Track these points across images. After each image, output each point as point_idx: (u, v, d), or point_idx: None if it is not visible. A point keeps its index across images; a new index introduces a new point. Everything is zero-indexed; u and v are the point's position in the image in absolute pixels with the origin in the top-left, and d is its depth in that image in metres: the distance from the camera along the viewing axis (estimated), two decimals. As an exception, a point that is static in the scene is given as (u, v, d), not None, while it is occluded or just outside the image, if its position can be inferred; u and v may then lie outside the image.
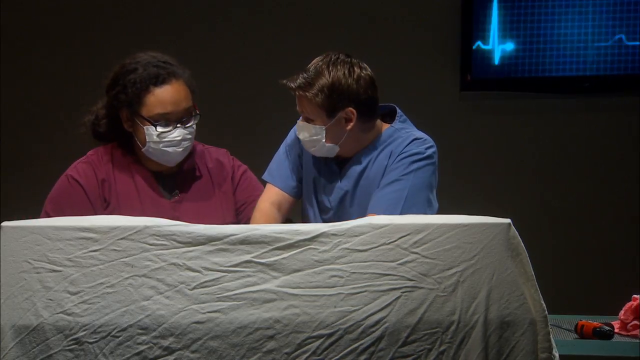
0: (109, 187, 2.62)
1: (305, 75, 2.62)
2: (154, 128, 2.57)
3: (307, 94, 2.60)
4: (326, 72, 2.61)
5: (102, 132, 2.68)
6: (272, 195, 2.77)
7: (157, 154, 2.60)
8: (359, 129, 2.66)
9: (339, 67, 2.63)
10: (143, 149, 2.60)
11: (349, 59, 2.66)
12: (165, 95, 2.58)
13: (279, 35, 4.46)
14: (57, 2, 4.58)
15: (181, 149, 2.62)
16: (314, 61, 2.66)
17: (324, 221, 2.72)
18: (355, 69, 2.64)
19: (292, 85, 2.63)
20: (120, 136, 2.66)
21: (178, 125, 2.59)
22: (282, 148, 2.83)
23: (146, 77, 2.58)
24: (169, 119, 2.58)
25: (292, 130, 2.81)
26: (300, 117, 2.70)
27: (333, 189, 2.72)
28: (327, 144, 2.65)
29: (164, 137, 2.58)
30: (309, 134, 2.65)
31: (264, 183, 2.83)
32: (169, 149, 2.59)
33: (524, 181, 4.38)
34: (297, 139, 2.76)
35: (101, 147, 2.69)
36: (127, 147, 2.67)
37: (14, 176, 4.43)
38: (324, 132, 2.63)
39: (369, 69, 2.67)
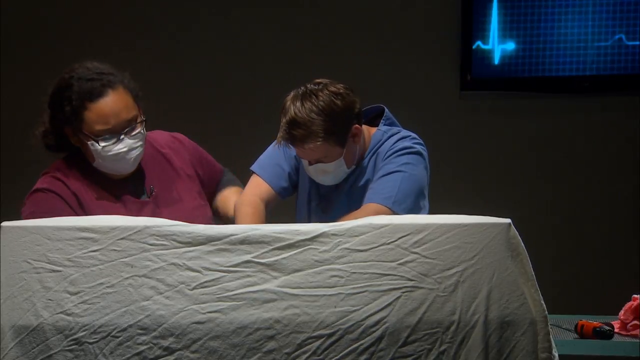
0: (82, 197, 2.51)
1: (298, 129, 2.51)
2: (97, 143, 2.46)
3: (317, 143, 2.52)
4: (315, 109, 2.51)
5: (52, 145, 2.58)
6: (262, 191, 2.69)
7: (108, 167, 2.51)
8: (359, 139, 2.65)
9: (320, 96, 2.53)
10: (94, 164, 2.51)
11: (318, 85, 2.56)
12: (102, 109, 2.46)
13: (278, 35, 4.46)
14: (58, 2, 4.59)
15: (131, 158, 2.51)
16: (287, 110, 2.53)
17: None
18: (332, 88, 2.55)
19: (295, 144, 2.54)
20: (72, 148, 2.56)
21: (122, 136, 2.48)
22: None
23: (80, 93, 2.46)
24: (112, 132, 2.47)
25: None
26: (303, 161, 2.63)
27: (328, 196, 2.71)
28: (348, 169, 2.64)
29: (109, 151, 2.47)
30: (331, 172, 2.61)
31: (249, 174, 2.75)
32: (118, 161, 2.50)
33: (524, 181, 4.38)
34: None
35: (60, 161, 2.58)
36: (84, 158, 2.56)
37: (14, 176, 4.43)
38: (343, 160, 2.60)
39: (336, 82, 2.60)
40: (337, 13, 4.43)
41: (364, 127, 2.70)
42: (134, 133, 2.50)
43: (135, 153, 2.51)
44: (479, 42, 4.27)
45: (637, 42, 4.21)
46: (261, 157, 2.77)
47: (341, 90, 2.56)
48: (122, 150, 2.48)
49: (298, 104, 2.52)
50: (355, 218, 2.50)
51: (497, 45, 4.27)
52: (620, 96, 4.28)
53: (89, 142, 2.47)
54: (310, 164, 2.61)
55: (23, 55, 4.58)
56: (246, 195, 2.68)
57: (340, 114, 2.54)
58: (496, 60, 4.27)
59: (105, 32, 4.54)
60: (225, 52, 4.49)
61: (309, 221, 2.71)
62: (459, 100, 4.37)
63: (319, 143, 2.52)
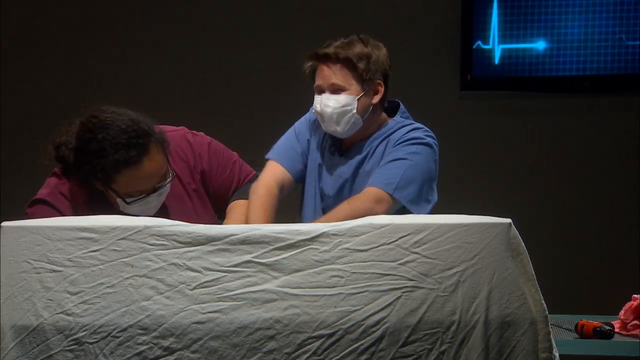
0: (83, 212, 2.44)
1: (339, 43, 2.64)
2: (124, 201, 2.43)
3: (349, 57, 2.61)
4: (359, 44, 2.64)
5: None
6: (277, 174, 2.73)
7: (133, 214, 2.42)
8: (376, 107, 2.69)
9: (366, 42, 2.66)
10: (118, 208, 2.46)
11: (368, 38, 2.69)
12: (137, 176, 2.39)
13: (278, 34, 4.46)
14: (60, 3, 4.59)
15: (157, 206, 2.49)
16: (329, 41, 2.67)
17: (323, 209, 2.73)
18: (379, 43, 2.69)
19: (330, 50, 2.63)
20: None
21: (151, 195, 2.45)
22: (292, 131, 2.82)
23: (115, 161, 2.35)
24: (142, 193, 2.44)
25: (304, 117, 2.82)
26: (318, 93, 2.67)
27: (334, 176, 2.73)
28: (357, 116, 2.65)
29: (135, 205, 2.45)
30: (339, 104, 2.63)
31: (263, 163, 2.77)
32: (144, 212, 2.45)
33: (524, 181, 4.38)
34: (309, 125, 2.76)
35: (65, 178, 2.51)
36: None
37: (14, 176, 4.43)
38: (356, 102, 2.63)
39: None
40: (337, 13, 4.43)
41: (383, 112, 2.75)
42: (162, 191, 2.47)
43: (159, 205, 2.49)
44: (479, 42, 4.27)
45: (637, 42, 4.21)
46: (275, 145, 2.81)
47: (382, 47, 2.70)
48: (149, 207, 2.47)
49: (344, 37, 2.68)
50: (357, 201, 2.57)
51: (497, 45, 4.27)
52: (620, 96, 4.28)
53: (116, 198, 2.44)
54: (324, 91, 2.65)
55: (23, 55, 4.58)
56: (261, 179, 2.71)
57: (376, 60, 2.65)
58: (496, 60, 4.27)
59: (107, 35, 4.55)
60: (225, 53, 4.49)
61: (314, 201, 2.73)
62: (459, 100, 4.37)
63: (349, 61, 2.61)
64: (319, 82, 2.67)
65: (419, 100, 4.29)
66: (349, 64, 2.62)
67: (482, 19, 4.27)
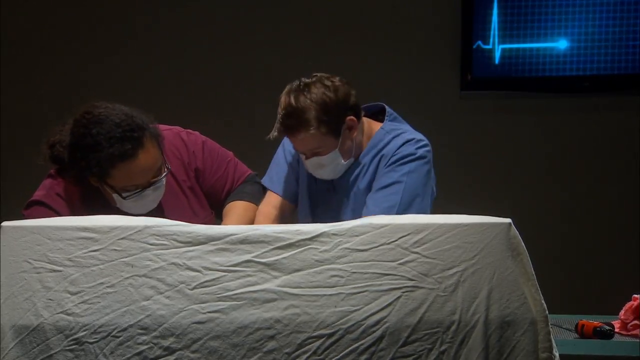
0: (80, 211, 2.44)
1: (291, 119, 2.55)
2: (120, 196, 2.43)
3: (309, 132, 2.54)
4: (307, 101, 2.54)
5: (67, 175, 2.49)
6: (274, 202, 2.75)
7: (130, 211, 2.46)
8: (358, 132, 2.65)
9: (312, 89, 2.55)
10: (114, 205, 2.47)
11: (311, 79, 2.59)
12: (132, 170, 2.39)
13: (278, 35, 4.46)
14: (61, 3, 4.59)
15: (154, 201, 2.50)
16: (282, 102, 2.57)
17: None
18: (325, 82, 2.58)
19: (289, 134, 2.57)
20: None
21: (147, 189, 2.45)
22: (281, 153, 2.80)
23: (111, 155, 2.34)
24: (138, 187, 2.44)
25: None
26: (299, 156, 2.65)
27: (327, 196, 2.71)
28: (344, 161, 2.64)
29: (132, 201, 2.45)
30: (327, 165, 2.62)
31: (262, 163, 2.78)
32: (140, 207, 2.46)
33: (524, 181, 4.38)
34: None
35: (61, 178, 2.51)
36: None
37: (14, 176, 4.43)
38: (339, 153, 2.61)
39: (332, 76, 2.62)
40: (337, 13, 4.43)
41: (367, 120, 2.71)
42: (158, 185, 2.47)
43: (157, 200, 2.50)
44: (479, 42, 4.27)
45: (637, 42, 4.21)
46: (269, 169, 2.81)
47: (336, 83, 2.58)
48: (145, 201, 2.47)
49: (292, 95, 2.56)
50: None
51: (497, 45, 4.27)
52: (620, 96, 4.28)
53: (112, 193, 2.45)
54: (307, 157, 2.62)
55: (23, 55, 4.58)
56: (261, 209, 2.72)
57: (332, 105, 2.55)
58: (496, 60, 4.27)
59: (107, 34, 4.55)
60: (224, 54, 4.49)
61: (312, 216, 2.72)
62: (459, 100, 4.37)
63: (311, 131, 2.54)
64: (296, 148, 2.64)
65: (419, 100, 4.31)
66: (313, 134, 2.55)
67: (482, 19, 4.27)
